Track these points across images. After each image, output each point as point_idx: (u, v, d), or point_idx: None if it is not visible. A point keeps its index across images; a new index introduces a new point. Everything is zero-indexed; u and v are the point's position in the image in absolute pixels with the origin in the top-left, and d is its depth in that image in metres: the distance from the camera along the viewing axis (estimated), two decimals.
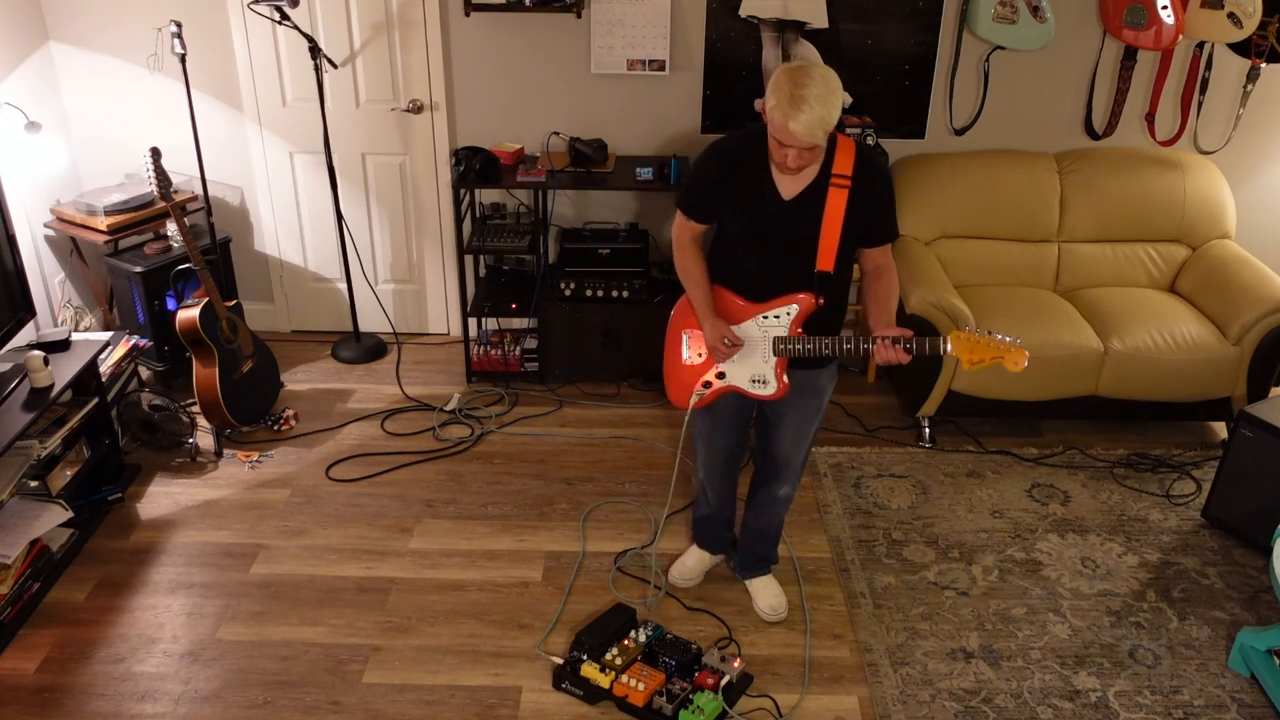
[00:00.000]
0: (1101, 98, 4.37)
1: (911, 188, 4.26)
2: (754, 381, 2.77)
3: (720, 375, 2.80)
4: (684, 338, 2.87)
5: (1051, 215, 4.28)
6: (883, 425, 4.20)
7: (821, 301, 2.65)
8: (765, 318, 2.70)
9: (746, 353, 2.74)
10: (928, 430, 4.07)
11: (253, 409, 4.10)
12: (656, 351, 2.97)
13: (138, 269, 4.06)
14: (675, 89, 4.33)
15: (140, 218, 4.15)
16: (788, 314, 2.68)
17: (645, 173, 4.10)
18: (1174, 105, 4.39)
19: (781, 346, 2.70)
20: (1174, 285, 4.31)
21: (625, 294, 4.28)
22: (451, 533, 3.54)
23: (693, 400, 2.85)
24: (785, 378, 2.75)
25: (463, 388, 4.44)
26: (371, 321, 4.79)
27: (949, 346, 2.55)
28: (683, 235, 2.76)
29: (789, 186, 2.58)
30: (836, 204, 2.55)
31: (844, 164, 2.54)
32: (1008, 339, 2.53)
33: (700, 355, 2.84)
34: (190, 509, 3.64)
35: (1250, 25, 3.97)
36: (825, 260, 2.59)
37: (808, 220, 2.58)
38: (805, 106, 2.34)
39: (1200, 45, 4.24)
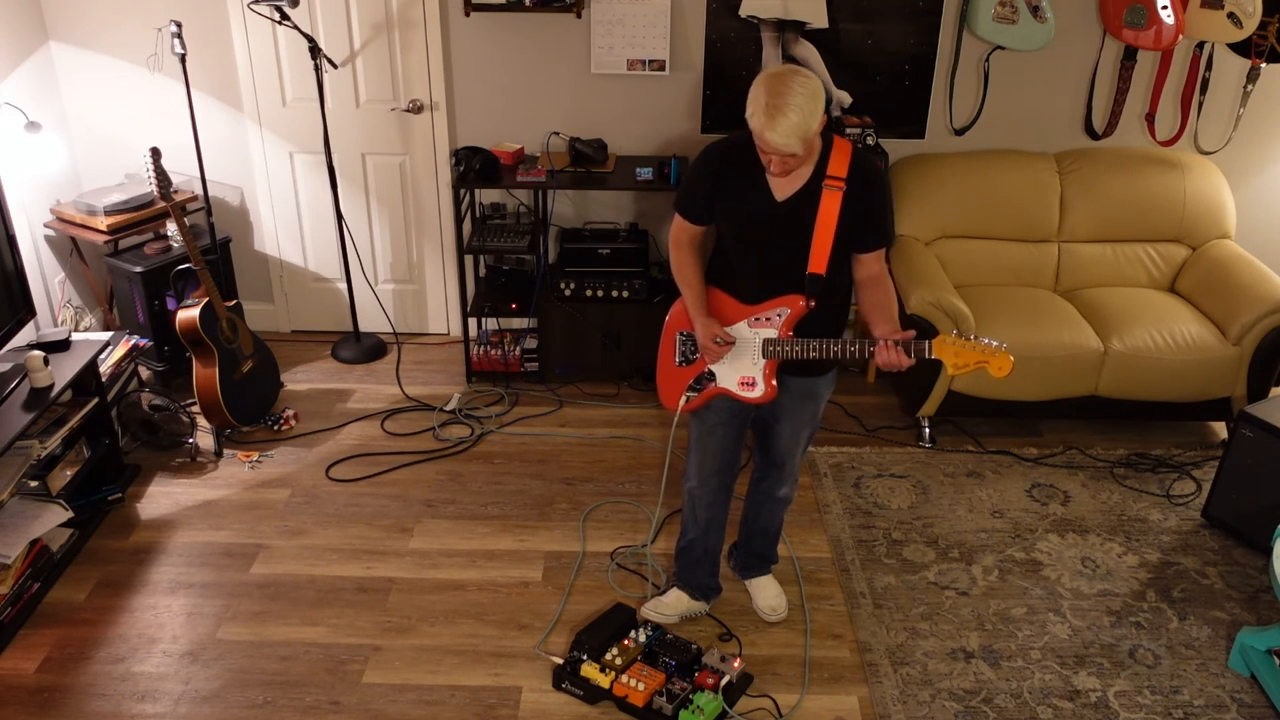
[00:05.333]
0: (1101, 98, 4.37)
1: (911, 188, 4.26)
2: (743, 384, 2.76)
3: (710, 377, 2.80)
4: (677, 340, 2.87)
5: (1051, 215, 4.28)
6: (883, 425, 4.20)
7: (812, 304, 2.64)
8: (756, 319, 2.69)
9: (737, 354, 2.74)
10: (928, 430, 4.07)
11: (253, 409, 4.10)
12: (656, 351, 2.96)
13: (138, 269, 4.06)
14: (675, 89, 4.34)
15: (140, 218, 4.15)
16: (778, 316, 2.67)
17: (645, 173, 4.10)
18: (1174, 105, 4.39)
19: (771, 349, 2.69)
20: (1174, 285, 4.31)
21: (625, 294, 4.28)
22: (451, 533, 3.54)
23: (682, 402, 2.84)
24: (774, 381, 2.73)
25: (463, 388, 4.44)
26: (371, 321, 4.79)
27: (931, 351, 2.53)
28: (680, 236, 2.76)
29: (782, 188, 2.58)
30: (830, 206, 2.54)
31: (839, 166, 2.53)
32: (993, 343, 2.50)
33: (692, 358, 2.84)
34: (190, 509, 3.64)
35: (1250, 25, 3.97)
36: (817, 262, 2.58)
37: (800, 222, 2.57)
38: (781, 116, 2.33)
39: (1200, 45, 4.24)
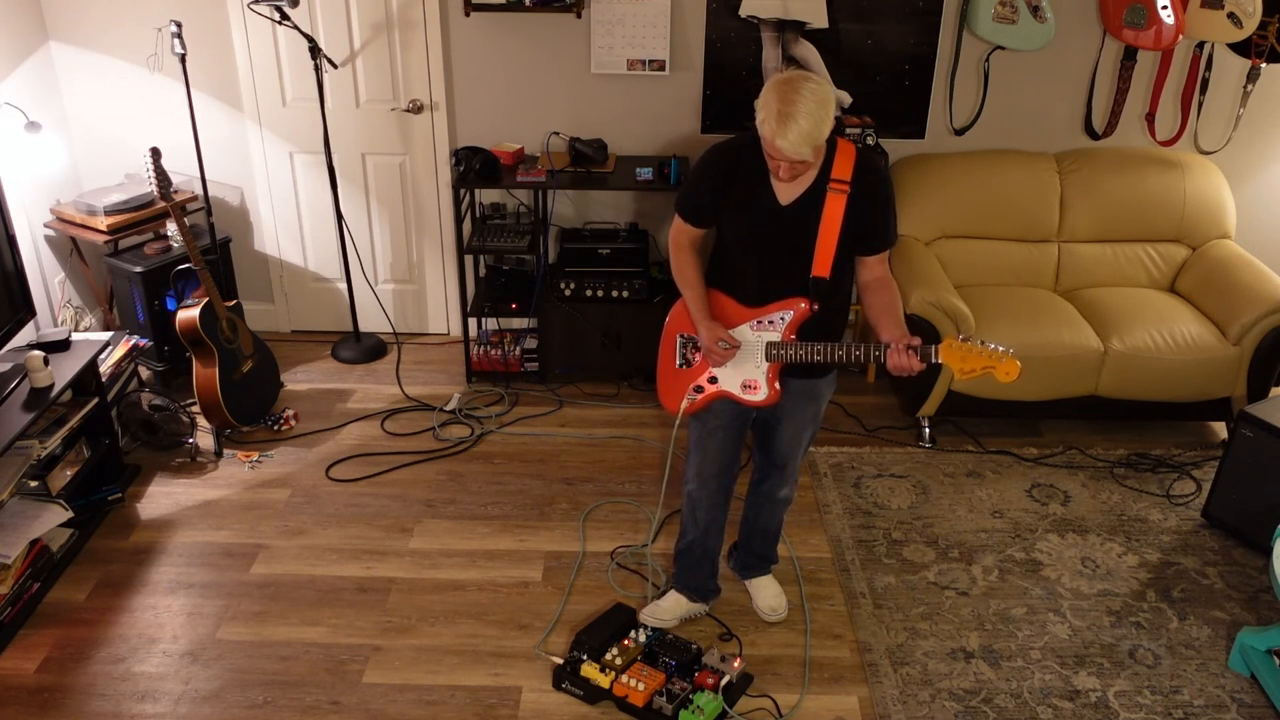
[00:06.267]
0: (1101, 98, 4.37)
1: (911, 188, 4.26)
2: (746, 387, 2.75)
3: (712, 380, 2.79)
4: (678, 342, 2.87)
5: (1051, 215, 4.28)
6: (883, 425, 4.20)
7: (816, 308, 2.64)
8: (759, 323, 2.69)
9: (740, 358, 2.73)
10: (928, 430, 4.07)
11: (253, 409, 4.10)
12: (656, 351, 2.96)
13: (138, 269, 4.06)
14: (675, 89, 4.33)
15: (140, 218, 4.15)
16: (782, 319, 2.67)
17: (645, 173, 4.10)
18: (1174, 105, 4.39)
19: (774, 352, 2.69)
20: (1174, 285, 4.31)
21: (625, 294, 4.28)
22: (451, 533, 3.54)
23: (684, 405, 2.84)
24: (777, 384, 2.73)
25: (463, 388, 4.44)
26: (371, 321, 4.79)
27: (937, 356, 2.51)
28: (680, 239, 2.76)
29: (786, 191, 2.57)
30: (834, 209, 2.54)
31: (843, 169, 2.53)
32: (1000, 348, 2.49)
33: (693, 360, 2.83)
34: (190, 509, 3.64)
35: (1250, 25, 3.97)
36: (821, 266, 2.58)
37: (804, 225, 2.57)
38: (792, 123, 2.33)
39: (1200, 45, 4.24)
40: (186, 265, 3.95)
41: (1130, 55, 4.25)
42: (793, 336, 2.67)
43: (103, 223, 4.03)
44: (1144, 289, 4.26)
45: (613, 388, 4.47)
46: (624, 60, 4.26)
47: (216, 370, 3.89)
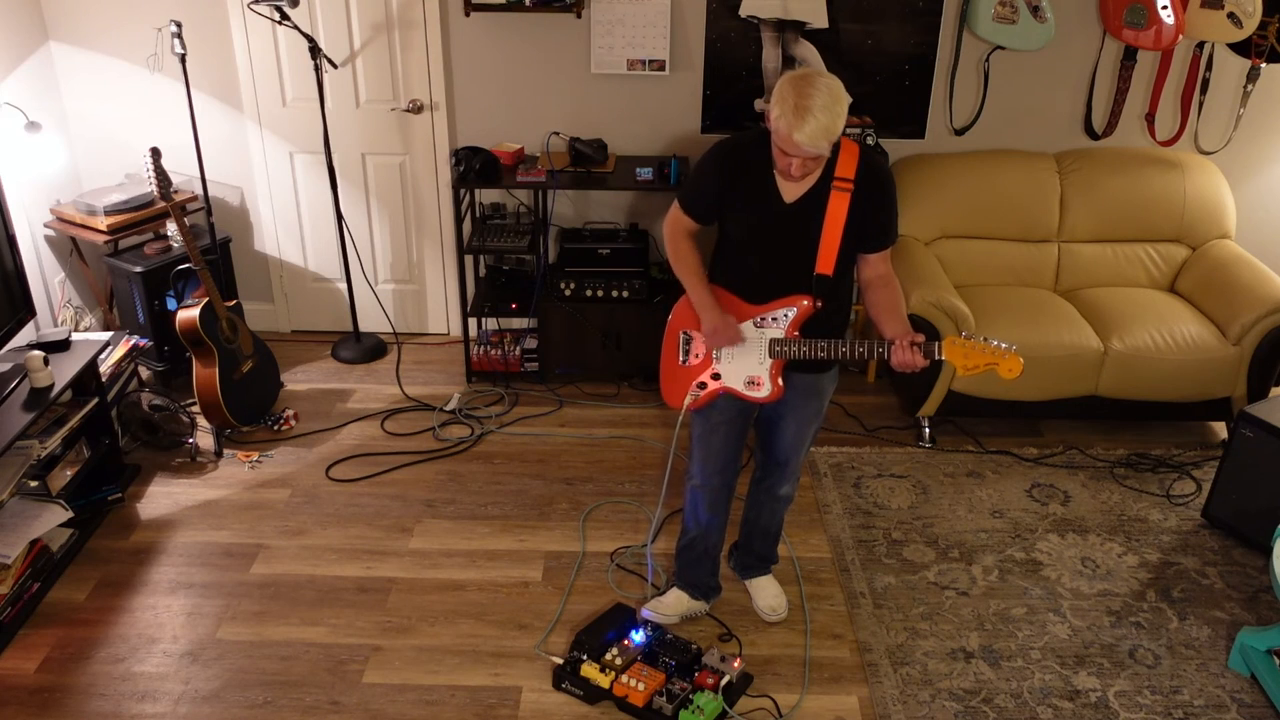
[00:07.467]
0: (1101, 98, 4.37)
1: (911, 188, 4.26)
2: (749, 384, 2.76)
3: (715, 376, 2.80)
4: (681, 338, 2.87)
5: (1051, 215, 4.28)
6: (883, 425, 4.20)
7: (819, 305, 2.64)
8: (763, 319, 2.70)
9: (743, 354, 2.74)
10: (928, 430, 4.07)
11: (253, 409, 4.10)
12: (656, 351, 2.97)
13: (138, 269, 4.06)
14: (675, 89, 4.33)
15: (140, 218, 4.15)
16: (785, 316, 2.68)
17: (645, 173, 4.10)
18: (1174, 105, 4.39)
19: (778, 349, 2.70)
20: (1174, 285, 4.31)
21: (625, 294, 4.28)
22: (451, 533, 3.54)
23: (687, 401, 2.84)
24: (780, 380, 2.74)
25: (463, 388, 4.44)
26: (371, 321, 4.79)
27: (940, 353, 2.53)
28: (677, 228, 2.76)
29: (791, 189, 2.58)
30: (838, 207, 2.55)
31: (847, 167, 2.54)
32: (1003, 345, 2.51)
33: (697, 356, 2.84)
34: (190, 509, 3.64)
35: (1250, 25, 3.97)
36: (825, 264, 2.59)
37: (809, 223, 2.58)
38: (810, 117, 2.34)
39: (1200, 45, 4.24)
40: (186, 265, 3.95)
41: (1130, 55, 4.25)
42: (796, 333, 2.68)
43: (103, 223, 4.03)
44: (1144, 289, 4.26)
45: (613, 388, 4.47)
46: (624, 60, 4.26)
47: (216, 370, 3.89)
